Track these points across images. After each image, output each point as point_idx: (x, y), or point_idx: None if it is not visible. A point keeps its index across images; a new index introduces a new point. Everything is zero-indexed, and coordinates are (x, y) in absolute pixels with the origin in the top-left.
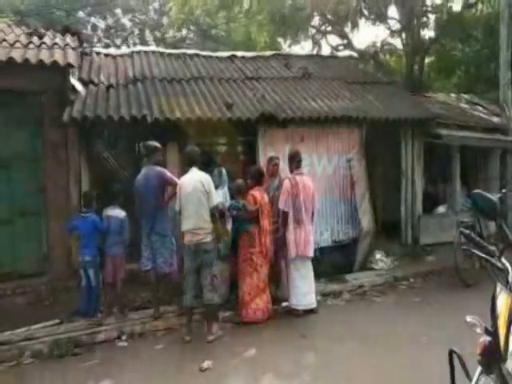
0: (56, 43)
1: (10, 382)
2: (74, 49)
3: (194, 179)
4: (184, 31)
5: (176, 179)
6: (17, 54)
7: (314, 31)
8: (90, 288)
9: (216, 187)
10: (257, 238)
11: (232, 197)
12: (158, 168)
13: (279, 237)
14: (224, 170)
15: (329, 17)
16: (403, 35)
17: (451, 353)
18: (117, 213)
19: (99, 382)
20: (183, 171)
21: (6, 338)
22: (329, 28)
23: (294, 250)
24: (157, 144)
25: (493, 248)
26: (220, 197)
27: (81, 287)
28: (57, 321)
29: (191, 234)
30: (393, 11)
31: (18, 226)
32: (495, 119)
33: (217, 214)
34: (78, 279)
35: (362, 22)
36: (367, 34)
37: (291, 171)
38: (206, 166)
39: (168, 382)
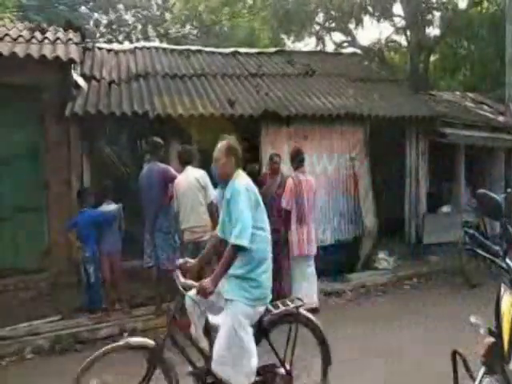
0: (58, 38)
1: (11, 377)
2: (76, 44)
3: (190, 177)
4: (187, 27)
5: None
6: (19, 49)
7: (318, 28)
8: (89, 284)
9: (216, 186)
10: None
11: None
12: (163, 165)
13: (282, 236)
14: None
15: (333, 13)
16: (408, 32)
17: (454, 353)
18: (112, 207)
19: (99, 378)
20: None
21: (8, 333)
22: (333, 24)
23: (296, 248)
24: (160, 140)
25: (497, 248)
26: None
27: (82, 284)
28: (58, 316)
29: (189, 231)
30: (398, 8)
31: (20, 222)
32: (500, 118)
33: (214, 210)
34: (79, 275)
35: (366, 18)
36: (372, 31)
37: (294, 169)
38: (204, 163)
39: None
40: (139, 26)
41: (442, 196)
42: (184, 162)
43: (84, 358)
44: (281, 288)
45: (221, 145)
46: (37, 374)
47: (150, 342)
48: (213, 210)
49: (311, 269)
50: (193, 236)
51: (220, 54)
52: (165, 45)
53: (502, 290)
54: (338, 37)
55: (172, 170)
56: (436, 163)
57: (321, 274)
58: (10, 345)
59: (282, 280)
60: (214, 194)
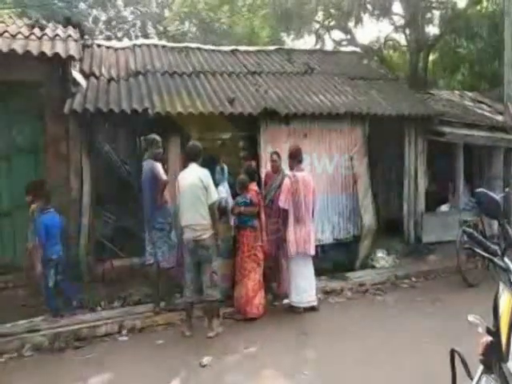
0: (57, 35)
1: (10, 374)
2: (75, 41)
3: (192, 175)
4: (186, 25)
5: (163, 176)
6: (18, 46)
7: (317, 26)
8: (48, 288)
9: (217, 184)
10: (260, 233)
11: (235, 193)
12: (151, 162)
13: (279, 235)
14: (225, 167)
15: (332, 11)
16: (407, 31)
17: (453, 352)
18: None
19: (99, 375)
20: (184, 166)
21: (7, 330)
22: (332, 23)
23: (293, 248)
24: (156, 137)
25: (495, 247)
26: (223, 193)
27: (47, 287)
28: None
29: (189, 229)
30: (397, 7)
31: (18, 218)
32: (499, 117)
33: (216, 211)
34: (45, 280)
35: (365, 17)
36: (371, 30)
37: (292, 168)
38: (205, 162)
39: (168, 377)
40: (138, 23)
41: (440, 195)
42: (190, 158)
43: (83, 355)
44: (279, 287)
45: None
46: (36, 371)
47: None
48: (214, 211)
49: (309, 268)
50: (193, 234)
51: (219, 51)
52: (164, 42)
53: (501, 288)
54: (338, 35)
55: (157, 168)
56: (435, 162)
57: (319, 272)
58: (9, 342)
59: (280, 279)
60: (216, 195)
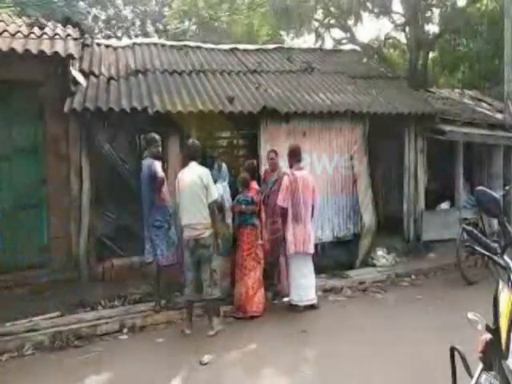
0: (57, 34)
1: (11, 373)
2: (75, 40)
3: (192, 174)
4: (186, 23)
5: (161, 174)
6: (18, 45)
7: (317, 24)
8: None
9: (215, 181)
10: (260, 231)
11: (236, 191)
12: (150, 160)
13: (279, 235)
14: (224, 165)
15: (332, 10)
16: (407, 30)
17: (452, 349)
18: None
19: (99, 373)
20: (184, 164)
21: (8, 329)
22: (332, 21)
23: (292, 247)
24: (155, 135)
25: (495, 245)
26: (219, 190)
27: None
28: (58, 313)
29: (189, 228)
30: (397, 5)
31: (19, 217)
32: (499, 115)
33: (216, 209)
34: None
35: (365, 15)
36: (371, 28)
37: (291, 167)
38: (203, 161)
39: (168, 376)
40: (138, 22)
41: (440, 193)
42: (190, 157)
43: (83, 353)
44: (279, 286)
45: None
46: (36, 370)
47: None
48: (214, 209)
49: (309, 266)
50: (192, 233)
51: (219, 50)
52: (163, 41)
53: (500, 286)
54: (337, 33)
55: (154, 166)
56: (435, 160)
57: (320, 270)
58: (9, 341)
59: (279, 278)
60: (216, 194)
